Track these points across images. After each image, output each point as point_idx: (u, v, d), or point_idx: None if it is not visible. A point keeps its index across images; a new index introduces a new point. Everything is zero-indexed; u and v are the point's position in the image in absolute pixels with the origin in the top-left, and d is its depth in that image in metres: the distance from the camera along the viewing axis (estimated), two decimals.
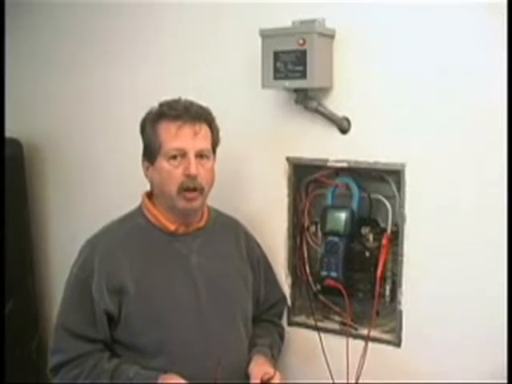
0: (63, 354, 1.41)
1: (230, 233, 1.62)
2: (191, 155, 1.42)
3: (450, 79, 1.45)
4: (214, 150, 1.51)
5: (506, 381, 1.21)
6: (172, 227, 1.48)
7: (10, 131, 2.09)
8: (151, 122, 1.47)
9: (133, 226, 1.50)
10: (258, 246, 1.69)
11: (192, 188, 1.42)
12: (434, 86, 1.47)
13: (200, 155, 1.44)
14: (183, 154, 1.42)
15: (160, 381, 1.36)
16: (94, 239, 1.49)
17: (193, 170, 1.41)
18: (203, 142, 1.45)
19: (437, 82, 1.47)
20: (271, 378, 1.45)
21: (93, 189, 2.13)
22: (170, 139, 1.42)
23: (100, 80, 2.04)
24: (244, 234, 1.65)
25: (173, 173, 1.42)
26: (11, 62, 2.17)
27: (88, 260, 1.43)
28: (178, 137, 1.42)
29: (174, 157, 1.42)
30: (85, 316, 1.40)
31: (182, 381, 1.36)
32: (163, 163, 1.43)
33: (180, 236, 1.50)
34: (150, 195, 1.53)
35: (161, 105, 1.48)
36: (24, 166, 2.21)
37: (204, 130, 1.46)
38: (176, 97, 1.49)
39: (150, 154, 1.46)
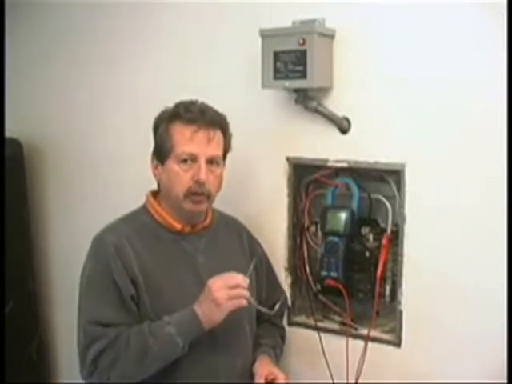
0: (99, 342, 1.35)
1: (234, 233, 1.62)
2: (202, 161, 1.41)
3: (450, 79, 1.45)
4: (224, 156, 1.50)
5: (505, 381, 1.21)
6: (178, 226, 1.48)
7: (9, 131, 2.09)
8: (165, 122, 1.46)
9: (138, 224, 1.49)
10: (260, 246, 1.69)
11: (199, 193, 1.42)
12: (433, 86, 1.47)
13: (210, 161, 1.44)
14: (194, 159, 1.42)
15: (197, 306, 1.35)
16: (100, 236, 1.47)
17: (202, 177, 1.40)
18: (215, 148, 1.45)
19: (437, 82, 1.47)
20: (276, 378, 1.45)
21: (93, 189, 2.13)
22: (183, 143, 1.42)
23: (100, 80, 2.04)
24: (246, 235, 1.66)
25: (182, 176, 1.42)
26: (11, 62, 2.17)
27: (100, 254, 1.42)
28: (192, 141, 1.41)
29: (185, 160, 1.42)
30: (113, 303, 1.37)
31: (225, 281, 1.34)
32: (173, 165, 1.43)
33: (186, 235, 1.49)
34: (154, 194, 1.53)
35: (176, 105, 1.46)
36: (24, 165, 2.21)
37: (218, 136, 1.45)
38: (178, 98, 1.48)
39: (161, 153, 1.46)
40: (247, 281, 1.37)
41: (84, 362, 1.38)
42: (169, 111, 1.47)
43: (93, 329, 1.38)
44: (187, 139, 1.41)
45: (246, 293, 1.36)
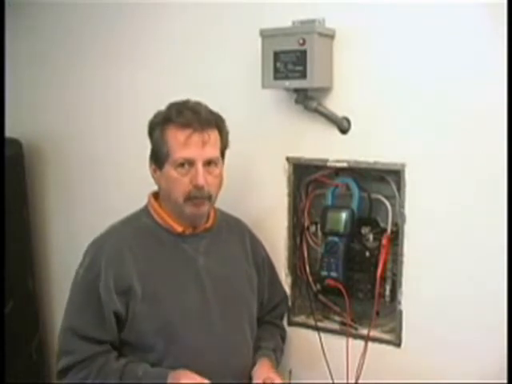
0: (71, 356, 1.39)
1: (236, 234, 1.62)
2: (199, 165, 1.40)
3: (450, 79, 1.45)
4: (222, 154, 1.49)
5: (506, 381, 1.21)
6: (179, 228, 1.47)
7: (10, 131, 2.09)
8: (159, 127, 1.44)
9: (139, 226, 1.49)
10: (262, 246, 1.68)
11: (199, 197, 1.42)
12: (434, 86, 1.47)
13: (208, 163, 1.43)
14: (191, 163, 1.41)
15: (170, 380, 1.34)
16: (99, 240, 1.47)
17: (200, 181, 1.39)
18: (212, 150, 1.43)
19: (437, 82, 1.47)
20: (274, 381, 1.45)
21: (93, 189, 2.13)
22: (179, 148, 1.40)
23: (100, 80, 2.04)
24: (249, 235, 1.65)
25: (180, 181, 1.41)
26: (11, 62, 2.17)
27: (94, 261, 1.42)
28: (187, 146, 1.40)
29: (182, 165, 1.41)
30: (93, 317, 1.39)
31: (194, 379, 1.33)
32: (170, 171, 1.42)
33: (187, 237, 1.49)
34: (156, 195, 1.52)
35: (168, 108, 1.45)
36: (24, 165, 2.21)
37: (213, 137, 1.44)
38: (178, 97, 1.47)
39: (158, 158, 1.44)
40: None
41: (56, 366, 1.42)
42: (162, 114, 1.45)
43: (70, 338, 1.40)
44: (182, 144, 1.40)
45: None
